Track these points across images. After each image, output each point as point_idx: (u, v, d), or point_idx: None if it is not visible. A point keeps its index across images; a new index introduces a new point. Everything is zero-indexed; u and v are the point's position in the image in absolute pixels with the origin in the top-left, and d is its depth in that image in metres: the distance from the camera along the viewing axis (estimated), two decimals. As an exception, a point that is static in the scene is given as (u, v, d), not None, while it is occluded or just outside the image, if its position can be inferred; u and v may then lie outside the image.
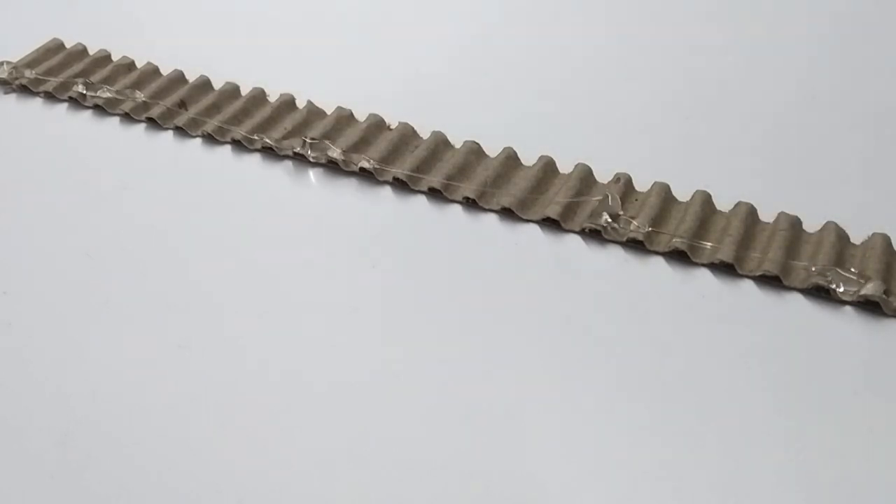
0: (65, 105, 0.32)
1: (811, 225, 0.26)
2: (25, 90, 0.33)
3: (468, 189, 0.27)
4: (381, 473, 0.20)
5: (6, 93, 0.33)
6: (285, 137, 0.29)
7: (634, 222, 0.26)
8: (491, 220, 0.27)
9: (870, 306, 0.24)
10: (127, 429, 0.21)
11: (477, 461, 0.20)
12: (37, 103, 0.33)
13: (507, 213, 0.27)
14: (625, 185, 0.27)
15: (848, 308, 0.24)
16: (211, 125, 0.30)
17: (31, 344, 0.24)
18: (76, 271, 0.26)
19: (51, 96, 0.33)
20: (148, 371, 0.23)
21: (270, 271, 0.25)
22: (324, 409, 0.22)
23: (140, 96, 0.31)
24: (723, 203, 0.27)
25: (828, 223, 0.26)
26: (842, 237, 0.25)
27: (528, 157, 0.28)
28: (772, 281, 0.24)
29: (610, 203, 0.26)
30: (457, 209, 0.27)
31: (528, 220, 0.27)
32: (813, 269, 0.24)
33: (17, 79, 0.33)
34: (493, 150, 0.29)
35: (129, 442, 0.21)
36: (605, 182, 0.27)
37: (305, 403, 0.22)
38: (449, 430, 0.21)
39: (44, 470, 0.21)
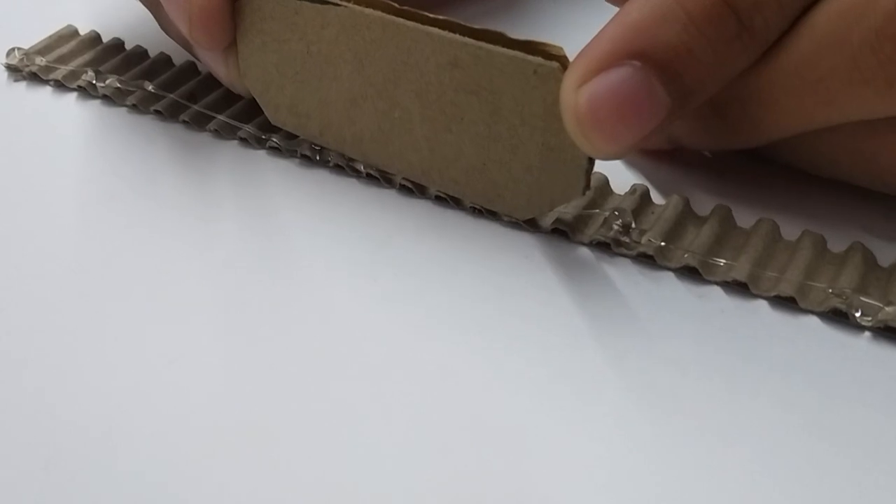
0: (74, 94, 0.35)
1: (837, 245, 0.27)
2: (36, 78, 0.35)
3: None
4: (381, 490, 0.22)
5: (16, 80, 0.36)
6: (290, 137, 0.31)
7: (646, 236, 0.27)
8: (498, 230, 0.28)
9: (891, 333, 0.25)
10: (115, 452, 0.23)
11: (481, 478, 0.22)
12: (46, 92, 0.35)
13: (515, 224, 0.28)
14: (641, 196, 0.28)
15: (867, 334, 0.25)
16: (217, 121, 0.32)
17: (15, 363, 0.25)
18: (70, 283, 0.27)
19: (60, 85, 0.35)
20: (137, 390, 0.24)
21: (267, 279, 0.27)
22: (323, 426, 0.23)
23: (149, 87, 0.34)
24: (744, 219, 0.28)
25: (854, 244, 0.27)
26: (868, 259, 0.26)
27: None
28: (788, 302, 0.26)
29: (621, 215, 0.27)
30: (463, 218, 0.29)
31: (536, 231, 0.28)
32: (831, 291, 0.25)
33: (27, 66, 0.35)
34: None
35: (117, 466, 0.23)
36: (622, 193, 0.29)
37: (302, 422, 0.23)
38: (453, 446, 0.23)
39: (29, 493, 0.22)
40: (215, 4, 0.29)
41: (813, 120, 0.26)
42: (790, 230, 0.28)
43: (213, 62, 0.31)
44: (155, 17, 0.34)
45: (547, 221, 0.28)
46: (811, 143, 0.27)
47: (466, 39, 0.26)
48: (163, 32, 0.35)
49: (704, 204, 0.29)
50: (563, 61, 0.25)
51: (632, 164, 0.31)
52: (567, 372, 0.24)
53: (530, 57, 0.25)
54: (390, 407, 0.24)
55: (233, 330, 0.26)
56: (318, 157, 0.31)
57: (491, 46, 0.26)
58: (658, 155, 0.31)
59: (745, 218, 0.28)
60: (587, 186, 0.26)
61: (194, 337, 0.26)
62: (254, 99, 0.31)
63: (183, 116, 0.33)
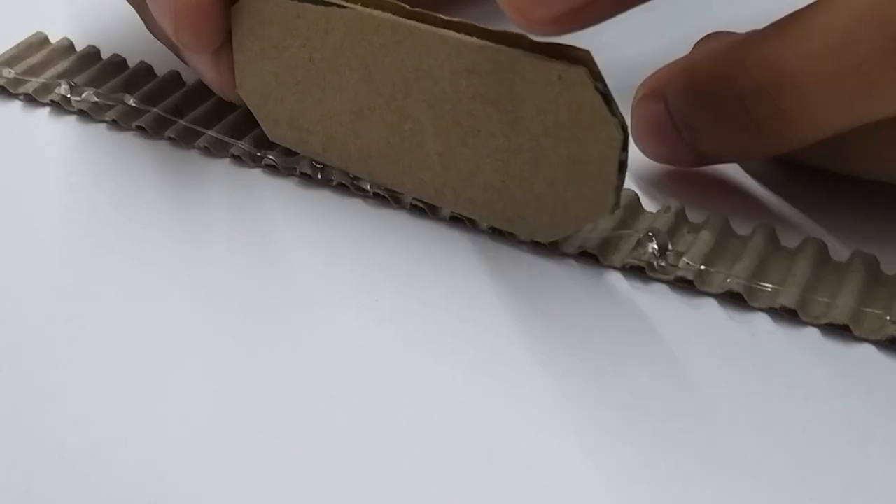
0: (47, 109, 0.33)
1: (890, 266, 0.26)
2: (4, 92, 0.34)
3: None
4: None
5: (-18, 95, 0.34)
6: (288, 154, 0.30)
7: (684, 258, 0.26)
8: (519, 255, 0.27)
9: (955, 363, 0.23)
10: (97, 482, 0.22)
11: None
12: (16, 107, 0.33)
13: (538, 245, 0.27)
14: (675, 215, 0.27)
15: (930, 364, 0.24)
16: (207, 137, 0.31)
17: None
18: (45, 304, 0.26)
19: (31, 99, 0.33)
20: (121, 418, 0.23)
21: (262, 308, 0.26)
22: (324, 451, 0.22)
23: (130, 100, 0.32)
24: (789, 238, 0.26)
25: (910, 264, 0.25)
26: (926, 281, 0.25)
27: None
28: (840, 330, 0.24)
29: (655, 236, 0.26)
30: (480, 241, 0.27)
31: (562, 254, 0.27)
32: (888, 318, 0.24)
33: (-6, 79, 0.34)
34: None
35: (99, 496, 0.21)
36: (654, 212, 0.27)
37: (302, 446, 0.22)
38: (461, 482, 0.21)
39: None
40: (203, 2, 0.27)
41: (852, 112, 0.23)
42: (838, 250, 0.26)
43: (202, 66, 0.30)
44: (141, 17, 0.32)
45: (573, 245, 0.27)
46: (854, 142, 0.25)
47: (484, 43, 0.25)
48: (141, 40, 0.33)
49: (742, 222, 0.27)
50: (589, 65, 0.24)
51: (661, 181, 0.29)
52: (593, 400, 0.23)
53: (554, 61, 0.24)
54: (396, 436, 0.22)
55: (224, 359, 0.25)
56: (319, 176, 0.29)
57: (511, 50, 0.24)
58: (688, 172, 0.29)
59: (788, 237, 0.27)
60: (617, 204, 0.24)
61: (183, 364, 0.24)
62: (246, 111, 0.30)
63: (168, 132, 0.31)
